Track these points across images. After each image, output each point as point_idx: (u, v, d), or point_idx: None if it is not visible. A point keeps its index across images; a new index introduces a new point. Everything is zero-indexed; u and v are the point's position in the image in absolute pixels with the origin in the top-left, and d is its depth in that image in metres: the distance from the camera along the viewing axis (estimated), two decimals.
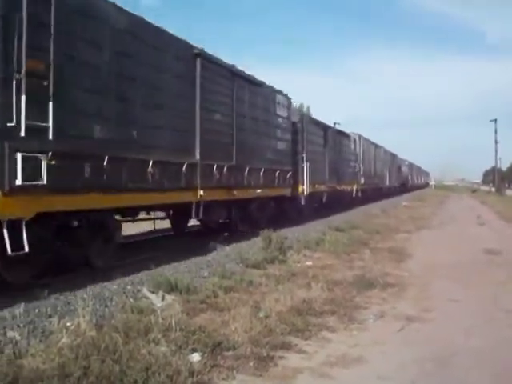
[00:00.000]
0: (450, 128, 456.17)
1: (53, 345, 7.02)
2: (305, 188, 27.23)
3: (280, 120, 24.38)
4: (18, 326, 7.70)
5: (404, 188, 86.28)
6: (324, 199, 32.73)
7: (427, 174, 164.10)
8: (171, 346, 7.31)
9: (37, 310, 8.69)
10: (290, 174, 25.25)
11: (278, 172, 23.37)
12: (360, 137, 46.55)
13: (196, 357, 7.15)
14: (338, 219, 28.21)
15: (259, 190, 21.03)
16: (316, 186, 29.80)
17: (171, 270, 12.38)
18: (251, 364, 7.22)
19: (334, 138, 36.31)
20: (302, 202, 27.64)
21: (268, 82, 22.32)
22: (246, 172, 19.67)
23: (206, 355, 7.25)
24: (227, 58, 18.32)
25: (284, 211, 26.24)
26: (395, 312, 10.36)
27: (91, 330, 7.53)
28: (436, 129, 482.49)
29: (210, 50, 16.64)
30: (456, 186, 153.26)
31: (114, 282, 11.09)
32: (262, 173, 21.26)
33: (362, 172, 45.64)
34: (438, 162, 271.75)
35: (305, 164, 27.39)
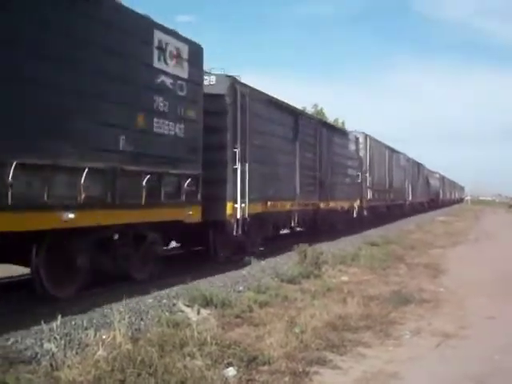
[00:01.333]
0: (487, 143, 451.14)
1: (89, 357, 7.05)
2: (238, 207, 16.33)
3: (170, 81, 13.20)
4: (55, 337, 7.74)
5: (434, 204, 77.05)
6: (294, 223, 22.32)
7: (462, 189, 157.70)
8: (206, 360, 7.31)
9: (73, 322, 8.74)
10: (193, 180, 13.91)
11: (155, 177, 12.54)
12: (366, 136, 34.92)
13: (231, 371, 7.14)
14: (373, 234, 28.05)
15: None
16: (270, 203, 18.91)
17: (206, 284, 12.39)
18: (286, 379, 7.19)
19: (314, 131, 24.44)
20: (235, 232, 16.36)
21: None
22: None
23: (241, 370, 7.23)
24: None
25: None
26: (431, 328, 10.27)
27: (127, 343, 7.55)
28: (473, 143, 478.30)
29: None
30: (492, 202, 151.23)
31: (149, 295, 11.12)
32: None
33: (369, 183, 34.61)
34: (474, 177, 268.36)
35: (239, 166, 16.43)
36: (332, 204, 26.63)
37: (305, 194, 22.77)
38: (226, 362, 7.34)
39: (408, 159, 52.12)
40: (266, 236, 19.73)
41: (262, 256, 17.23)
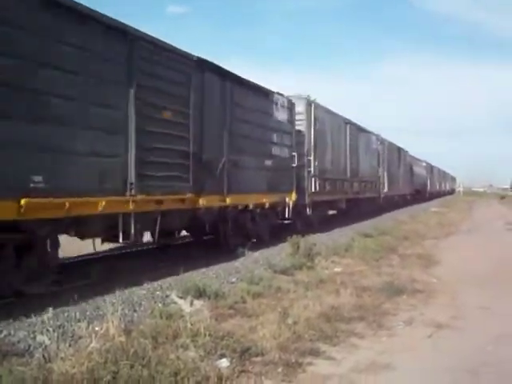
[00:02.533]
0: (480, 134, 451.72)
1: (82, 349, 7.05)
2: None
3: None
4: (48, 330, 7.74)
5: (420, 196, 68.84)
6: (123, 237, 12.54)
7: (453, 180, 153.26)
8: (200, 351, 7.32)
9: (66, 315, 8.74)
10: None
11: None
12: (311, 104, 24.92)
13: (224, 362, 7.15)
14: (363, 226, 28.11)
15: None
16: None
17: (200, 276, 12.40)
18: (280, 370, 7.20)
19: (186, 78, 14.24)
20: None
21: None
22: None
23: (234, 361, 7.24)
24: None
25: None
26: (424, 318, 10.29)
27: (120, 335, 7.55)
28: (466, 136, 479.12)
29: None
30: (484, 192, 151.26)
31: (142, 287, 11.14)
32: None
33: (313, 170, 24.37)
34: (466, 168, 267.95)
35: None
36: (233, 200, 16.72)
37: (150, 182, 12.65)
38: (219, 353, 7.34)
39: (383, 141, 42.39)
40: None
41: (255, 247, 17.24)
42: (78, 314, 8.87)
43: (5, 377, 5.98)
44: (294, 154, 21.78)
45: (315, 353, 8.01)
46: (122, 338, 7.44)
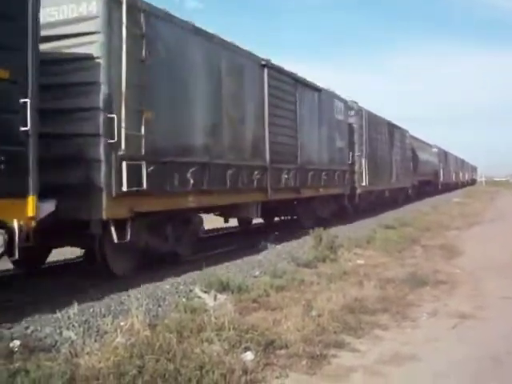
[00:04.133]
0: (503, 123, 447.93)
1: (108, 344, 7.11)
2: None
3: None
4: (74, 325, 7.80)
5: (429, 188, 58.16)
6: None
7: (474, 170, 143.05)
8: (224, 344, 7.34)
9: (91, 310, 8.81)
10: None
11: None
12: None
13: (249, 355, 7.17)
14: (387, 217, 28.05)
15: None
16: None
17: (223, 270, 12.45)
18: (304, 362, 7.22)
19: None
20: None
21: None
22: None
23: (258, 354, 7.26)
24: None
25: None
26: (448, 309, 10.27)
27: (145, 330, 7.59)
28: (488, 124, 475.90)
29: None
30: (507, 182, 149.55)
31: (166, 281, 11.20)
32: None
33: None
34: (487, 158, 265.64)
35: None
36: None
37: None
38: (243, 346, 7.37)
39: (359, 112, 29.64)
40: None
41: (278, 241, 17.25)
42: (102, 309, 8.94)
43: (32, 372, 6.04)
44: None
45: (339, 345, 8.02)
46: (147, 333, 7.48)
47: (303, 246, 16.64)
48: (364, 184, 29.25)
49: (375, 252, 16.64)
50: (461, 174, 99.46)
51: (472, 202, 49.81)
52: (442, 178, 67.52)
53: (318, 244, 15.68)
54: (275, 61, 18.40)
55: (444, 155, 71.85)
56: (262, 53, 17.55)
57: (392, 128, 38.49)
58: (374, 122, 32.91)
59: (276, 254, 15.16)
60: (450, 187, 77.04)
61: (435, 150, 64.62)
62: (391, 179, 37.17)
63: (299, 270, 13.14)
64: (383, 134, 35.44)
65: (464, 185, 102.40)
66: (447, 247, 18.39)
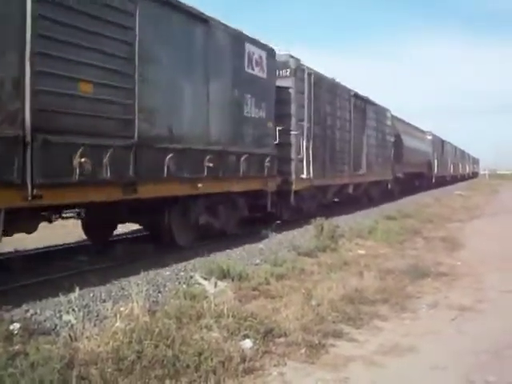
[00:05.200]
0: (506, 115, 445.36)
1: (107, 329, 7.12)
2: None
3: None
4: (74, 309, 7.82)
5: (420, 182, 51.29)
6: None
7: (476, 162, 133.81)
8: (223, 332, 7.36)
9: (91, 295, 8.85)
10: None
11: None
12: None
13: (248, 343, 7.19)
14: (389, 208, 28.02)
15: None
16: None
17: (224, 257, 12.46)
18: (303, 351, 7.23)
19: None
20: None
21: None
22: None
23: (257, 342, 7.28)
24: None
25: None
26: (448, 301, 10.27)
27: (145, 315, 7.61)
28: (491, 116, 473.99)
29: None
30: (511, 175, 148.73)
31: (167, 268, 11.23)
32: None
33: None
34: (490, 150, 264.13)
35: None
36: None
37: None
38: (242, 334, 7.38)
39: (299, 71, 20.43)
40: None
41: (279, 229, 17.27)
42: (103, 294, 8.98)
43: (32, 355, 6.06)
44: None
45: (338, 334, 8.03)
46: (147, 318, 7.50)
47: (304, 235, 16.67)
48: (305, 176, 20.35)
49: (376, 243, 16.64)
50: (460, 166, 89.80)
51: (474, 194, 49.75)
52: (436, 170, 58.08)
53: (320, 233, 15.70)
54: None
55: (440, 144, 62.95)
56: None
57: (363, 103, 29.40)
58: (329, 91, 23.91)
59: (277, 243, 15.18)
60: (446, 181, 68.90)
61: (429, 137, 56.19)
62: (359, 170, 28.16)
63: (300, 258, 13.15)
64: (346, 110, 26.23)
65: (464, 178, 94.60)
66: (449, 239, 18.39)
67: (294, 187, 19.62)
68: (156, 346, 6.55)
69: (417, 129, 51.06)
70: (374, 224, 19.94)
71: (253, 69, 16.43)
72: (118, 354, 6.31)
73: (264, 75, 17.12)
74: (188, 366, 6.24)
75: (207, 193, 14.13)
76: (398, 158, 38.05)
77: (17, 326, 7.14)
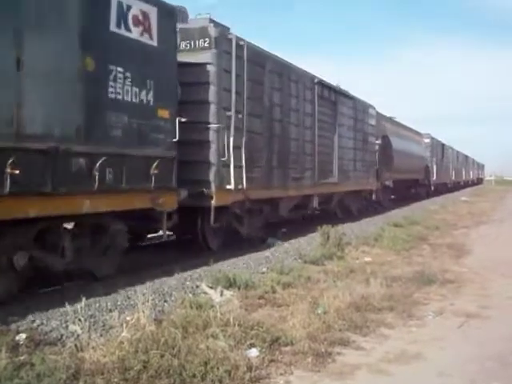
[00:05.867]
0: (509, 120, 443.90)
1: (113, 339, 7.13)
2: None
3: None
4: (80, 319, 7.82)
5: (419, 190, 47.99)
6: None
7: (481, 167, 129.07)
8: (229, 341, 7.35)
9: (97, 305, 8.83)
10: None
11: None
12: None
13: (254, 352, 7.19)
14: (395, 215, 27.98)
15: None
16: None
17: (230, 266, 12.47)
18: (309, 360, 7.22)
19: None
20: None
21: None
22: None
23: (263, 350, 7.28)
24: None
25: None
26: (454, 309, 10.24)
27: (151, 325, 7.62)
28: (497, 122, 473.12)
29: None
30: None
31: (173, 277, 11.22)
32: None
33: None
34: (496, 156, 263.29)
35: None
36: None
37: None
38: (248, 342, 7.38)
39: (223, 42, 14.62)
40: None
41: (285, 237, 17.26)
42: (109, 304, 8.97)
43: (38, 365, 6.07)
44: None
45: (345, 343, 8.02)
46: (153, 328, 7.50)
47: (311, 243, 16.65)
48: (234, 187, 14.57)
49: (382, 250, 16.61)
50: (463, 172, 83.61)
51: (480, 200, 49.60)
52: (435, 177, 52.28)
53: (326, 241, 15.68)
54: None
55: (440, 148, 57.97)
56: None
57: (334, 95, 23.62)
58: (279, 74, 17.95)
59: (283, 251, 15.17)
60: (448, 188, 64.06)
61: (427, 140, 50.84)
62: (327, 178, 22.60)
63: (306, 266, 13.15)
64: (307, 101, 20.38)
65: (468, 185, 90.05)
66: (455, 246, 18.35)
67: (214, 202, 13.91)
68: (162, 356, 6.55)
69: (410, 130, 45.70)
70: (380, 231, 19.93)
71: (128, 29, 11.06)
72: (124, 363, 6.32)
73: (153, 42, 11.76)
74: (194, 376, 6.24)
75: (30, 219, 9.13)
76: (387, 163, 32.54)
77: (23, 336, 7.16)
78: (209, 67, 14.17)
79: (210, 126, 14.08)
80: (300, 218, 22.51)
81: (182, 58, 13.25)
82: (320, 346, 7.67)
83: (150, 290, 9.30)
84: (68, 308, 8.12)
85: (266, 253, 14.86)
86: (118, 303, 9.09)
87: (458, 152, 76.14)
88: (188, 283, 10.80)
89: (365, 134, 28.25)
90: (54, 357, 6.40)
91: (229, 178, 14.44)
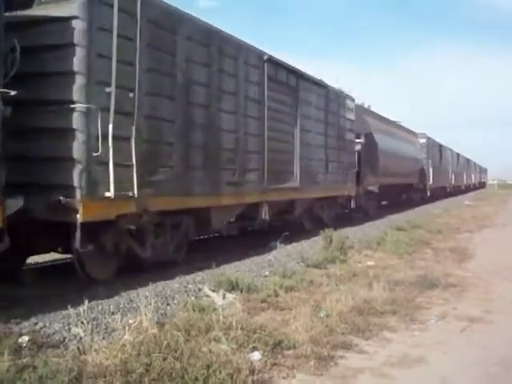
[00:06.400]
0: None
1: (115, 341, 7.13)
2: None
3: None
4: (82, 322, 7.82)
5: (413, 195, 43.87)
6: None
7: (483, 171, 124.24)
8: (232, 344, 7.35)
9: (100, 307, 8.84)
10: None
11: None
12: None
13: (256, 355, 7.18)
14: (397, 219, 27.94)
15: None
16: None
17: (232, 269, 12.45)
18: (311, 363, 7.22)
19: None
20: None
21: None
22: None
23: (266, 354, 7.27)
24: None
25: None
26: (457, 313, 10.22)
27: (153, 328, 7.61)
28: (500, 127, 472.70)
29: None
30: None
31: (175, 280, 11.21)
32: None
33: None
34: (499, 160, 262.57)
35: None
36: None
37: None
38: (251, 346, 7.37)
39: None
40: None
41: (288, 241, 17.26)
42: (111, 306, 8.97)
43: (40, 368, 6.07)
44: None
45: (347, 346, 8.01)
46: (155, 331, 7.50)
47: (313, 246, 16.63)
48: (111, 194, 10.19)
49: (385, 254, 16.60)
50: (464, 176, 78.29)
51: (483, 204, 49.53)
52: (431, 181, 46.73)
53: (328, 245, 15.66)
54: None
55: (437, 149, 53.08)
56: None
57: (294, 78, 18.95)
58: (202, 43, 13.47)
59: (286, 254, 15.14)
60: (447, 192, 59.40)
61: (422, 140, 46.31)
62: (284, 182, 18.08)
63: (309, 270, 13.13)
64: (252, 84, 15.97)
65: (469, 189, 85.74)
66: (458, 250, 18.32)
67: (80, 216, 9.66)
68: (164, 359, 6.55)
69: (402, 128, 41.09)
70: (383, 235, 19.91)
71: None
72: (127, 366, 6.32)
73: None
74: (196, 379, 6.23)
75: None
76: (372, 165, 28.35)
77: (25, 338, 7.15)
78: (75, 23, 9.80)
79: (74, 106, 9.75)
80: (246, 232, 19.26)
81: (41, 11, 10.00)
82: (322, 349, 7.66)
83: (152, 293, 9.29)
84: (70, 311, 8.12)
85: (269, 256, 14.83)
86: (121, 306, 9.08)
87: (458, 154, 71.57)
88: (190, 286, 10.79)
89: (340, 129, 23.39)
90: (56, 359, 6.40)
91: (107, 182, 10.10)
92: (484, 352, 8.05)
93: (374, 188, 29.19)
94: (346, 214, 26.51)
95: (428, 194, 46.20)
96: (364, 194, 27.60)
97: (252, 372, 6.59)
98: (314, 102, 20.65)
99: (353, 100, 25.65)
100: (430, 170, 46.76)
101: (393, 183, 33.48)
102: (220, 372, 6.37)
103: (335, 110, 22.90)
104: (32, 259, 12.67)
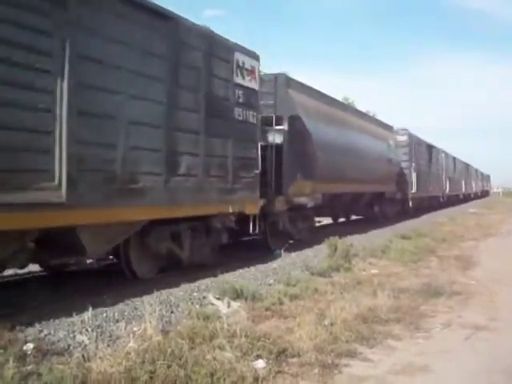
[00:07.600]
0: None
1: (120, 349, 7.13)
2: None
3: None
4: (87, 330, 7.83)
5: (389, 209, 32.42)
6: None
7: (486, 178, 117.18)
8: (236, 352, 7.36)
9: (104, 315, 8.83)
10: None
11: None
12: None
13: (261, 363, 7.18)
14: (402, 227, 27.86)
15: None
16: None
17: (237, 277, 12.44)
18: (316, 371, 7.22)
19: None
20: None
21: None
22: None
23: (270, 362, 7.28)
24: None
25: None
26: (462, 321, 10.22)
27: (157, 336, 7.61)
28: (504, 134, 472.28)
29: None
30: None
31: (180, 288, 11.20)
32: None
33: None
34: (503, 168, 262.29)
35: None
36: None
37: None
38: (255, 354, 7.38)
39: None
40: None
41: (292, 249, 17.24)
42: (116, 314, 8.96)
43: (45, 375, 6.08)
44: None
45: (352, 354, 8.01)
46: (160, 339, 7.50)
47: (318, 254, 16.59)
48: None
49: (390, 262, 16.59)
50: (463, 184, 67.16)
51: (488, 213, 49.40)
52: (415, 189, 36.21)
53: (333, 253, 15.64)
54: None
55: (425, 150, 42.15)
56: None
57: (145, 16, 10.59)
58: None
59: (290, 263, 15.12)
60: (440, 203, 49.10)
61: (402, 138, 35.18)
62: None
63: (313, 278, 13.11)
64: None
65: (470, 198, 76.88)
66: (463, 258, 18.31)
67: None
68: (169, 366, 6.56)
69: (367, 118, 30.87)
70: (388, 243, 19.88)
71: None
72: (131, 374, 6.33)
73: None
74: None
75: None
76: (302, 164, 18.36)
77: (30, 346, 7.16)
78: None
79: None
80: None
81: None
82: (327, 357, 7.67)
83: (156, 301, 9.32)
84: (75, 318, 8.14)
85: (273, 264, 14.81)
86: (125, 314, 9.07)
87: (455, 158, 59.82)
88: (195, 294, 10.78)
89: (216, 100, 13.13)
90: (61, 367, 6.40)
91: None
92: (489, 360, 8.04)
93: (307, 200, 18.96)
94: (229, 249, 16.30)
95: (410, 205, 35.96)
96: (289, 211, 18.10)
97: (256, 380, 6.61)
98: (133, 39, 10.45)
99: (255, 58, 15.01)
100: (413, 176, 36.23)
101: (345, 192, 23.52)
102: (224, 380, 6.39)
103: (200, 64, 12.54)
104: (35, 267, 12.67)
